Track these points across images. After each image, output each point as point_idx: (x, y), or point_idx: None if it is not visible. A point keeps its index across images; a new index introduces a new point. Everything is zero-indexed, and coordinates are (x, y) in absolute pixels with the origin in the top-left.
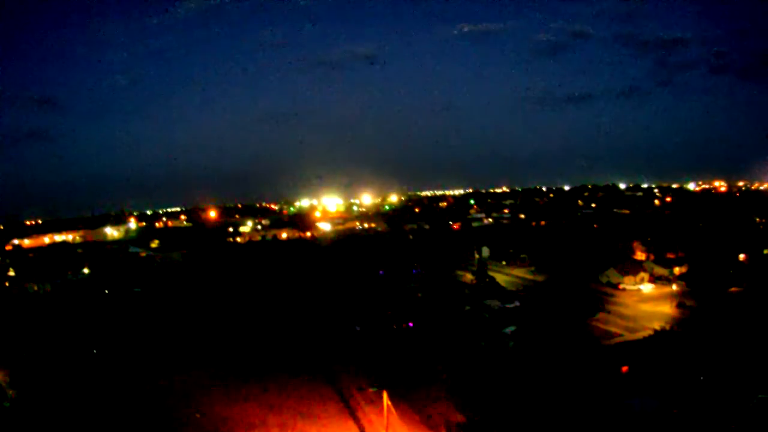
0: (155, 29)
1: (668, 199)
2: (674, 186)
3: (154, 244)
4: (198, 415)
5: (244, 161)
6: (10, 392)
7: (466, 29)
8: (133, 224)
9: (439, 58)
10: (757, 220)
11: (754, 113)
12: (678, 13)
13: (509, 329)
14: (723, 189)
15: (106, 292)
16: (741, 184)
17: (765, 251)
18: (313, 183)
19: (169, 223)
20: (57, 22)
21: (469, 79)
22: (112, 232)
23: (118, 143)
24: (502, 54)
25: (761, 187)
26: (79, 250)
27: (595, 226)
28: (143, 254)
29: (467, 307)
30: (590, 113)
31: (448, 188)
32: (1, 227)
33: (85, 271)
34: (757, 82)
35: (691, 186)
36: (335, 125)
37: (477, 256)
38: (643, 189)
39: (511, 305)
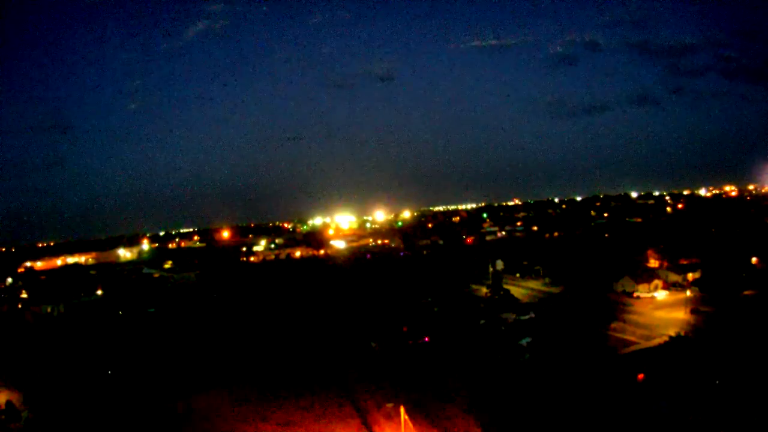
0: (165, 54)
1: (680, 205)
2: (685, 192)
3: (168, 264)
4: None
5: (257, 181)
6: (24, 413)
7: (478, 45)
8: (146, 245)
9: (452, 74)
10: None
11: (765, 116)
12: (687, 19)
13: (525, 341)
14: (734, 193)
15: (120, 312)
16: (751, 187)
17: None
18: (329, 202)
19: (183, 244)
20: (72, 52)
21: (482, 94)
22: (125, 253)
23: (131, 167)
24: (515, 68)
25: None
26: (92, 272)
27: (607, 235)
28: (156, 275)
29: (482, 321)
30: (602, 123)
31: (460, 203)
32: (13, 249)
33: (99, 292)
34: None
35: (702, 192)
36: (349, 144)
37: (491, 269)
38: (655, 197)
39: (527, 317)
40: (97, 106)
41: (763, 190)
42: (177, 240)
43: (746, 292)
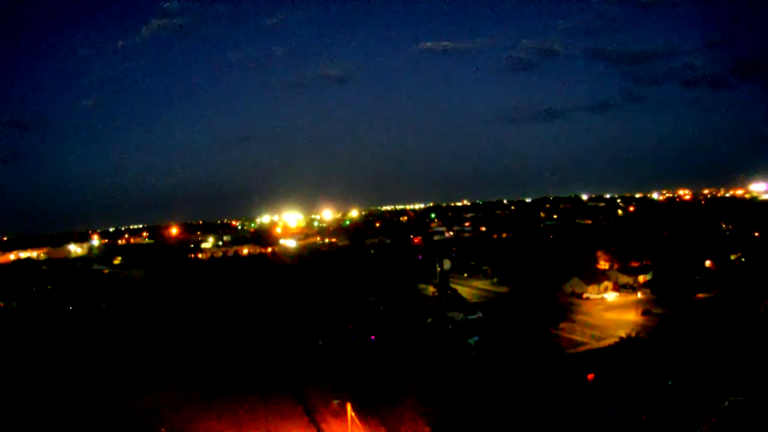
0: (121, 52)
1: (631, 208)
2: (638, 196)
3: (117, 260)
4: (162, 429)
5: (207, 179)
6: None
7: (434, 47)
8: (96, 241)
9: (407, 76)
10: (723, 226)
11: (724, 124)
12: (647, 28)
13: (473, 340)
14: (688, 197)
15: (71, 308)
16: (707, 192)
17: (732, 257)
18: (276, 200)
19: (132, 240)
20: (29, 48)
21: (437, 97)
22: (75, 249)
23: (85, 164)
24: (471, 72)
25: (727, 194)
26: (44, 267)
27: (557, 237)
28: (106, 271)
29: (429, 320)
30: (558, 129)
31: (409, 203)
32: None
33: (50, 288)
34: (728, 93)
35: (654, 195)
36: (301, 146)
37: (438, 268)
38: (606, 199)
39: (474, 317)
40: (54, 103)
41: (719, 195)
42: (126, 236)
43: (700, 295)
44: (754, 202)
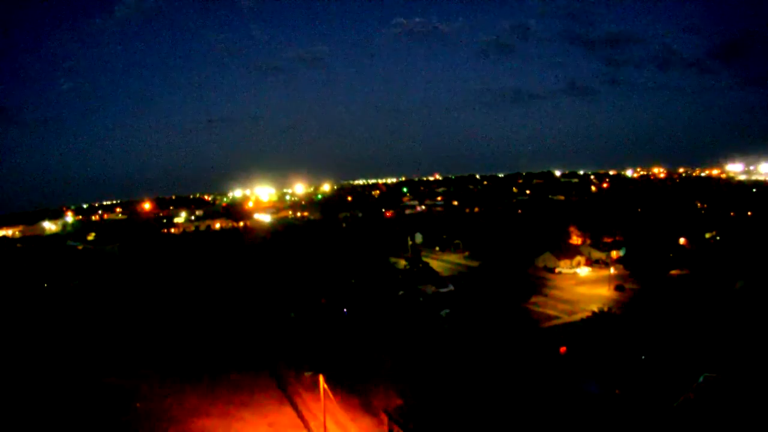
0: (98, 35)
1: (605, 185)
2: (611, 173)
3: (91, 236)
4: (138, 404)
5: (182, 157)
6: None
7: (411, 28)
8: (70, 218)
9: (385, 57)
10: (699, 205)
11: (700, 106)
12: (624, 11)
13: (444, 312)
14: (662, 176)
15: (45, 285)
16: (681, 170)
17: (707, 235)
18: (248, 174)
19: (105, 216)
20: (5, 29)
21: (414, 78)
22: (50, 226)
23: (62, 143)
24: (448, 53)
25: (703, 174)
26: (19, 245)
27: (529, 212)
28: (80, 247)
29: (401, 293)
30: (534, 110)
31: (381, 177)
32: None
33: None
34: (705, 77)
35: (628, 173)
36: (274, 123)
37: (410, 242)
38: (579, 176)
39: (446, 290)
40: (30, 85)
41: (694, 174)
42: (100, 212)
43: (673, 272)
44: (730, 183)
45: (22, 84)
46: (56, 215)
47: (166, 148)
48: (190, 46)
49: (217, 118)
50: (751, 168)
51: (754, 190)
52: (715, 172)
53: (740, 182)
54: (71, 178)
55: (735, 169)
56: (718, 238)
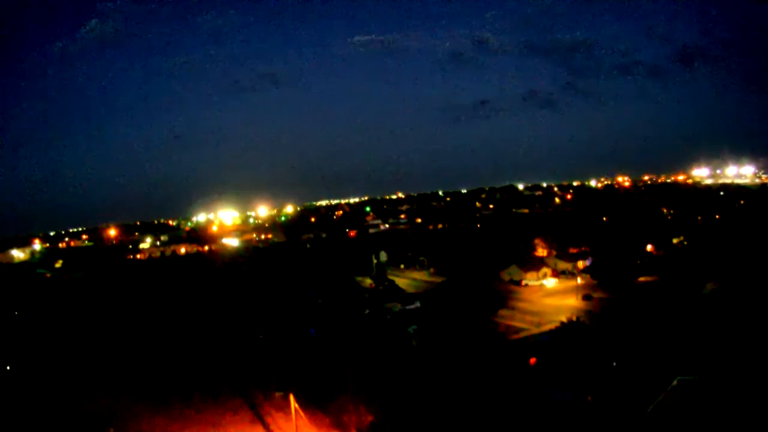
0: (61, 59)
1: (568, 197)
2: (575, 184)
3: (58, 264)
4: (111, 430)
5: (146, 182)
6: None
7: (365, 42)
8: (37, 245)
9: (341, 72)
10: (665, 211)
11: (664, 111)
12: (581, 17)
13: (411, 329)
14: (627, 184)
15: (16, 314)
16: (646, 178)
17: (674, 240)
18: (211, 198)
19: (72, 243)
20: None
21: (370, 92)
22: (18, 253)
23: (26, 167)
24: (402, 65)
25: (668, 180)
26: None
27: (494, 226)
28: (48, 275)
29: (367, 311)
30: (493, 120)
31: (343, 197)
32: None
33: None
34: (665, 80)
35: (592, 183)
36: (235, 145)
37: (375, 261)
38: (543, 188)
39: (412, 307)
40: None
41: (659, 181)
42: (67, 239)
43: (641, 279)
44: (696, 188)
45: None
46: (24, 243)
47: (129, 172)
48: (152, 68)
49: (180, 137)
50: (718, 172)
51: (721, 193)
52: (681, 177)
53: (707, 186)
54: (36, 204)
55: (701, 173)
56: (685, 243)
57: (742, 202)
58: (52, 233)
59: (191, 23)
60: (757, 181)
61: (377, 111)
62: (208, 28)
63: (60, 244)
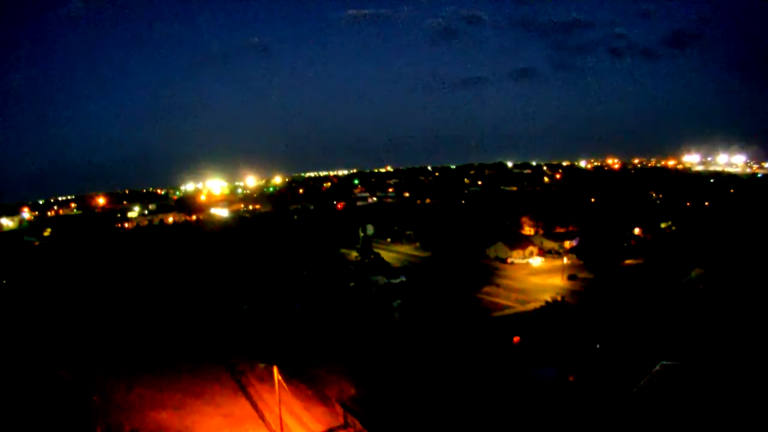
0: (49, 28)
1: (558, 176)
2: (565, 163)
3: (47, 232)
4: (95, 398)
5: (134, 150)
6: None
7: (355, 14)
8: (26, 214)
9: (331, 44)
10: (654, 195)
11: (655, 93)
12: None
13: (396, 303)
14: (617, 166)
15: (4, 281)
16: (636, 161)
17: (662, 225)
18: (199, 168)
19: (61, 212)
20: None
21: (360, 65)
22: (6, 222)
23: (13, 136)
24: (393, 39)
25: (658, 165)
26: None
27: (481, 203)
28: (36, 243)
29: (352, 284)
30: (483, 97)
31: (332, 169)
32: None
33: None
34: (658, 63)
35: (582, 164)
36: (224, 114)
37: (361, 234)
38: (532, 167)
39: (397, 281)
40: None
41: (649, 165)
42: (56, 208)
43: (628, 261)
44: (686, 173)
45: None
46: (12, 211)
47: (117, 140)
48: (140, 37)
49: (167, 106)
50: (709, 159)
51: (711, 180)
52: (671, 162)
53: (697, 173)
54: (24, 172)
55: (692, 159)
56: (674, 228)
57: (731, 190)
58: (41, 201)
59: None
60: (748, 170)
61: (365, 84)
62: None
63: (48, 213)
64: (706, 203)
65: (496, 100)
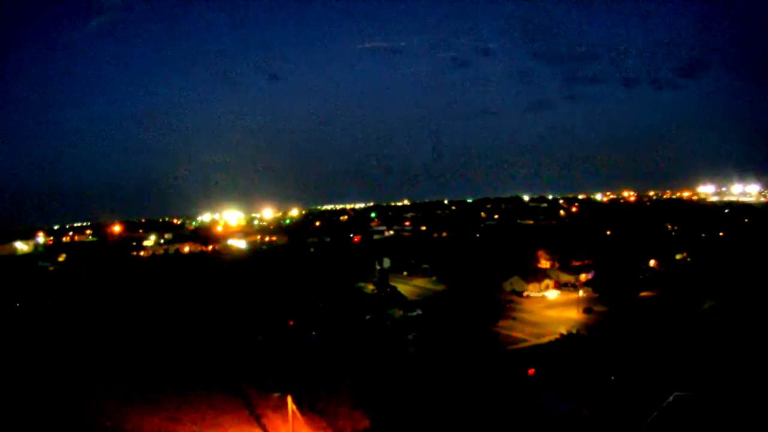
0: (65, 48)
1: (574, 209)
2: (581, 197)
3: (62, 258)
4: (108, 423)
5: (151, 179)
6: None
7: (368, 46)
8: (41, 239)
9: (345, 77)
10: (669, 227)
11: (667, 124)
12: (587, 27)
13: (411, 336)
14: (632, 199)
15: (18, 305)
16: (652, 193)
17: (678, 257)
18: (214, 197)
19: (76, 238)
20: None
21: (375, 97)
22: (21, 246)
23: (29, 160)
24: (406, 71)
25: (673, 196)
26: None
27: (498, 236)
28: (51, 268)
29: (368, 317)
30: (496, 128)
31: (349, 202)
32: None
33: None
34: (671, 93)
35: (598, 197)
36: (242, 145)
37: (378, 267)
38: (548, 200)
39: (413, 314)
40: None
41: (664, 197)
42: (71, 234)
43: (643, 294)
44: (701, 205)
45: None
46: (27, 236)
47: (133, 166)
48: (153, 60)
49: (184, 133)
50: (723, 189)
51: (726, 210)
52: (686, 194)
53: (712, 203)
54: (41, 198)
55: (707, 190)
56: (689, 259)
57: (746, 220)
58: (56, 227)
59: (189, 18)
60: (762, 199)
61: (380, 116)
62: (208, 24)
63: (63, 238)
64: (721, 233)
65: (510, 132)
